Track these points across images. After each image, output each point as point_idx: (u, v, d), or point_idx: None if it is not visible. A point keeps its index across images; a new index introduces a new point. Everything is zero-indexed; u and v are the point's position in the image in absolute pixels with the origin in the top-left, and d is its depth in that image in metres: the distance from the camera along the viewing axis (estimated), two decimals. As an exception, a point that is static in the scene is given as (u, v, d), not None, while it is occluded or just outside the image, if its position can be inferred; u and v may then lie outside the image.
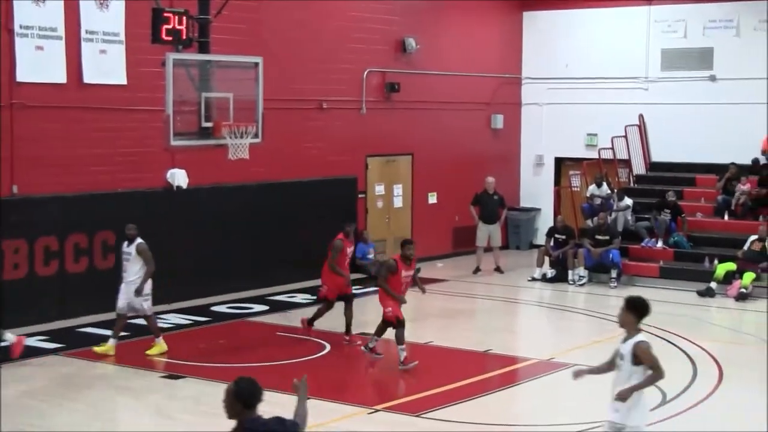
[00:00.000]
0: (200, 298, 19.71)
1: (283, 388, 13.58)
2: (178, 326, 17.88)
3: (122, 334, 16.97)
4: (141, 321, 17.87)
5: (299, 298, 20.43)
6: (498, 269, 23.66)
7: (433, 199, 25.69)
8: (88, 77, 18.46)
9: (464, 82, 26.11)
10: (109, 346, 15.53)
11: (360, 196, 23.74)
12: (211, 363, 15.22)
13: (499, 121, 27.29)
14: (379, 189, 24.40)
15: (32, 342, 16.11)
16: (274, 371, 14.96)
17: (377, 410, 12.97)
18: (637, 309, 9.05)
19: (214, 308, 19.26)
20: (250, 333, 17.68)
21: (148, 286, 15.62)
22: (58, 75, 18.06)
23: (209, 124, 17.43)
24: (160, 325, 17.76)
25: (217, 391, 13.44)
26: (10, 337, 14.84)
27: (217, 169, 19.79)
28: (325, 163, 22.77)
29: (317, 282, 21.66)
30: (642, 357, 8.94)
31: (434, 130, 25.36)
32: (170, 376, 14.43)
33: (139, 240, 15.60)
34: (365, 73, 23.56)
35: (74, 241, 18.14)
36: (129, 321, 17.87)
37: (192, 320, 18.29)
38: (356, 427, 12.35)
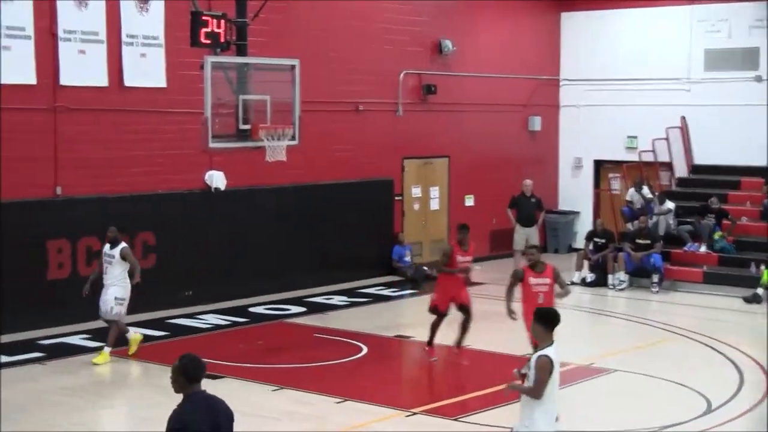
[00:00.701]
0: (238, 299, 19.83)
1: (319, 390, 13.78)
2: (217, 327, 18.00)
3: (160, 333, 17.18)
4: (182, 320, 18.13)
5: (336, 300, 20.50)
6: (535, 272, 23.58)
7: (470, 201, 25.69)
8: (129, 80, 18.64)
9: (501, 83, 26.10)
10: (105, 354, 15.30)
11: (396, 198, 23.79)
12: (249, 364, 15.31)
13: (536, 123, 27.26)
14: (416, 191, 24.43)
15: (75, 340, 16.33)
16: (311, 373, 15.05)
17: (415, 413, 13.00)
18: (544, 319, 9.12)
19: (252, 309, 19.37)
20: (287, 334, 17.76)
21: (127, 292, 15.42)
22: (100, 78, 18.26)
23: (247, 127, 17.52)
24: (199, 325, 17.96)
25: (256, 390, 13.70)
26: None
27: (255, 171, 19.92)
28: (362, 165, 22.84)
29: (354, 284, 21.87)
30: (535, 369, 8.88)
31: (471, 132, 25.37)
32: (209, 376, 14.42)
33: (123, 244, 15.43)
34: (401, 75, 23.61)
35: (116, 242, 18.32)
36: (169, 320, 18.12)
37: (230, 321, 18.41)
38: (395, 429, 12.40)
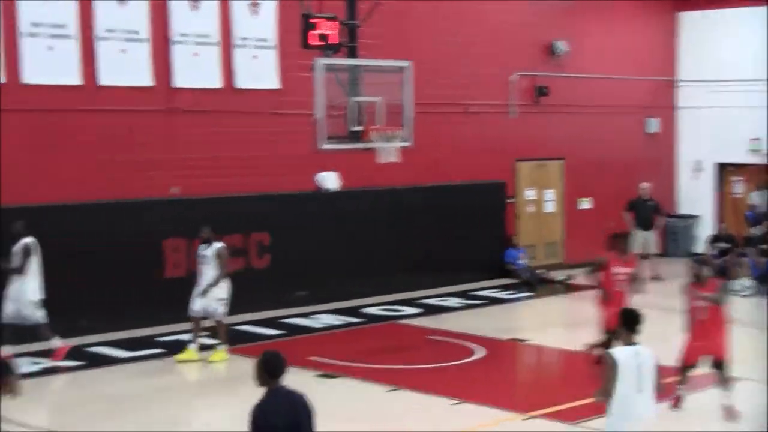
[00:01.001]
0: (352, 300, 19.78)
1: (435, 391, 13.59)
2: (331, 327, 17.98)
3: (275, 332, 17.21)
4: (296, 320, 18.15)
5: (450, 301, 20.31)
6: (655, 277, 23.05)
7: (585, 204, 25.26)
8: (241, 82, 18.74)
9: (616, 85, 25.59)
10: (190, 352, 15.35)
11: (509, 200, 23.50)
12: (363, 363, 15.19)
13: (653, 125, 26.68)
14: (530, 194, 24.11)
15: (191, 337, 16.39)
16: (427, 374, 14.88)
17: (532, 416, 12.71)
18: (624, 320, 9.10)
19: (366, 310, 19.30)
20: (401, 335, 17.63)
21: (225, 291, 15.42)
22: (213, 80, 18.38)
23: (359, 128, 17.49)
24: (314, 325, 17.93)
25: (371, 391, 13.57)
26: (56, 342, 14.99)
27: (367, 172, 19.83)
28: (474, 167, 22.59)
29: (468, 286, 21.65)
30: None
31: (586, 134, 24.93)
32: (324, 375, 14.47)
33: (218, 243, 15.43)
34: (513, 76, 23.32)
35: (230, 242, 18.39)
36: (283, 320, 18.15)
37: (345, 321, 18.36)
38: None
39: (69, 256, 16.40)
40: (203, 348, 15.54)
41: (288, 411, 7.36)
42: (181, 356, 15.33)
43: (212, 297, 15.31)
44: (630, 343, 8.92)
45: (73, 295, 16.39)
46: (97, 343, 16.21)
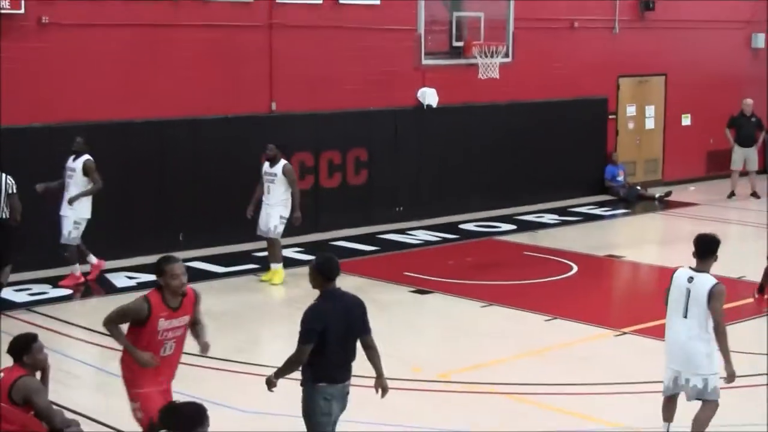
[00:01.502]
0: (448, 216, 19.90)
1: (528, 307, 13.75)
2: (427, 243, 18.13)
3: (372, 248, 17.43)
4: (393, 236, 18.33)
5: (546, 218, 20.33)
6: (754, 194, 22.76)
7: (686, 121, 24.90)
8: (343, -3, 18.77)
9: (722, -1, 25.03)
10: (273, 271, 15.11)
11: (610, 117, 23.30)
12: (458, 280, 15.39)
13: (760, 40, 26.03)
14: (631, 110, 23.84)
15: (288, 253, 16.66)
16: (520, 290, 15.03)
17: (624, 333, 12.82)
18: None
19: (462, 226, 19.41)
20: (497, 251, 17.76)
21: (287, 211, 14.93)
22: (315, -5, 18.45)
23: (460, 44, 17.48)
24: (410, 241, 18.14)
25: (464, 307, 13.77)
26: (92, 259, 15.12)
27: (467, 88, 19.84)
28: (576, 83, 22.40)
29: (566, 202, 21.64)
30: None
31: (689, 49, 24.48)
32: (419, 291, 14.70)
33: (283, 161, 14.92)
34: (619, -10, 22.98)
35: (328, 158, 18.66)
36: (380, 236, 18.33)
37: (440, 237, 18.50)
38: (603, 349, 12.26)
39: (164, 173, 16.81)
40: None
41: (341, 313, 7.66)
42: (264, 276, 15.25)
43: (274, 215, 14.90)
44: (700, 269, 8.98)
45: (170, 211, 16.85)
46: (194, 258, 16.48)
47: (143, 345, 7.81)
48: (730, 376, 8.76)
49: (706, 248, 9.03)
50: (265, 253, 15.48)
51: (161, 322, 7.83)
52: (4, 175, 13.10)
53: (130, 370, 7.94)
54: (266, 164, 15.01)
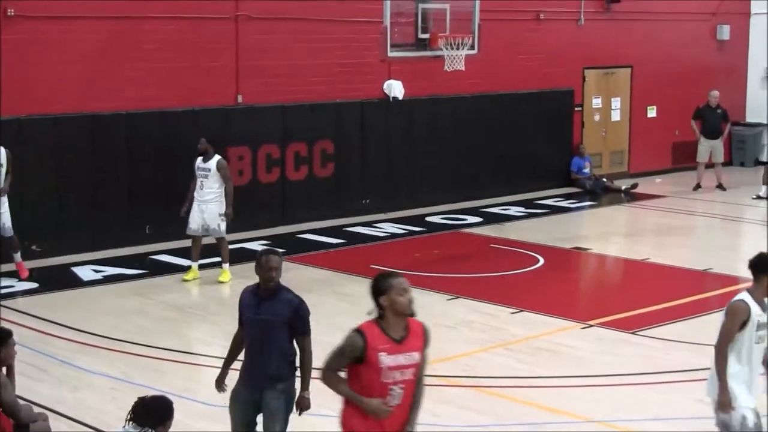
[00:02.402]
0: (415, 209, 19.92)
1: (495, 300, 13.79)
2: (394, 235, 18.13)
3: (338, 241, 17.42)
4: (359, 229, 18.32)
5: (513, 210, 20.37)
6: (720, 186, 22.91)
7: (652, 112, 25.01)
8: (309, -11, 18.71)
9: (688, -10, 25.15)
10: (194, 271, 14.81)
11: (576, 109, 23.38)
12: (425, 272, 15.39)
13: (725, 32, 26.18)
14: (596, 102, 23.93)
15: (255, 246, 16.63)
16: (487, 282, 15.06)
17: (591, 325, 12.87)
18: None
19: (429, 219, 19.42)
20: (464, 244, 17.78)
21: (223, 207, 14.59)
22: (281, -14, 18.38)
23: (426, 36, 17.44)
24: (376, 234, 18.15)
25: (430, 299, 13.80)
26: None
27: (433, 80, 19.85)
28: (541, 75, 22.45)
29: (532, 195, 21.70)
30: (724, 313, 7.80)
31: (655, 41, 24.58)
32: (384, 284, 14.66)
33: (217, 156, 14.59)
34: (584, -18, 23.04)
35: (294, 150, 18.61)
36: (347, 228, 18.31)
37: (407, 230, 18.50)
38: (569, 341, 12.30)
39: (131, 165, 16.74)
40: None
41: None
42: (186, 276, 14.85)
43: (212, 213, 14.58)
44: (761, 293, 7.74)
45: (137, 204, 16.80)
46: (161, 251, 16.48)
47: (364, 389, 6.57)
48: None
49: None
50: (232, 246, 15.30)
51: (382, 357, 6.57)
52: None
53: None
54: (199, 159, 14.62)
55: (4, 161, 14.22)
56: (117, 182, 16.58)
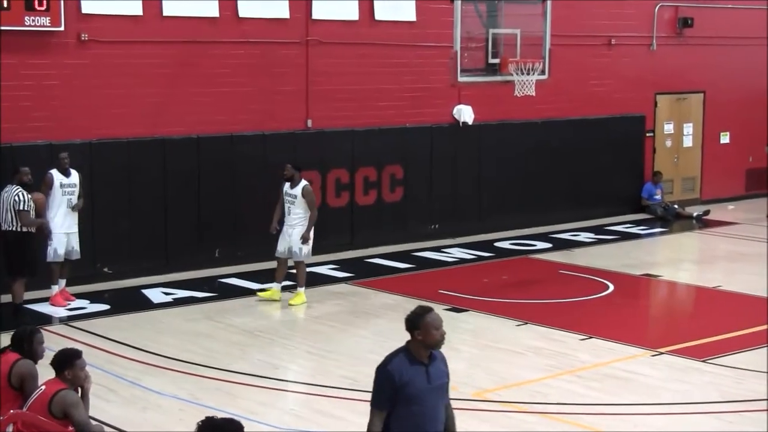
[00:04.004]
0: (484, 234, 19.85)
1: (564, 326, 13.67)
2: (462, 260, 18.08)
3: (407, 266, 17.39)
4: (428, 254, 18.30)
5: (582, 236, 20.22)
6: (792, 213, 22.56)
7: (725, 138, 24.74)
8: (379, 14, 18.78)
9: (762, 15, 24.81)
10: (273, 291, 14.99)
11: (648, 134, 23.17)
12: (493, 298, 15.33)
13: (800, 56, 25.83)
14: (668, 127, 23.71)
15: (324, 270, 16.73)
16: (556, 309, 14.95)
17: (661, 353, 12.70)
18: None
19: (498, 244, 19.35)
20: (532, 269, 17.67)
21: (311, 233, 14.83)
22: (351, 12, 18.47)
23: (496, 61, 17.44)
24: (445, 258, 18.10)
25: (498, 325, 13.71)
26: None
27: (503, 105, 19.81)
28: (613, 100, 22.32)
29: (601, 221, 21.52)
30: None
31: (728, 66, 24.32)
32: (454, 309, 14.64)
33: (304, 182, 14.90)
34: (657, 7, 22.85)
35: (364, 174, 18.66)
36: (415, 253, 18.27)
37: (476, 255, 18.45)
38: (639, 368, 12.15)
39: (201, 189, 16.86)
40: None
41: None
42: (264, 293, 15.10)
43: (296, 237, 14.75)
44: None
45: (207, 227, 16.93)
46: (230, 274, 16.61)
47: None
48: None
49: None
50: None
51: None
52: (13, 187, 13.64)
53: None
54: (286, 185, 14.93)
55: (77, 181, 14.48)
56: (187, 205, 16.73)
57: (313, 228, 14.82)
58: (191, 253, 16.71)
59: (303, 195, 14.75)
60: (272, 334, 13.51)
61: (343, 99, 18.42)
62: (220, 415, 6.99)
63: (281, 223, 15.03)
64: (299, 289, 14.94)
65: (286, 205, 14.90)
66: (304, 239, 14.74)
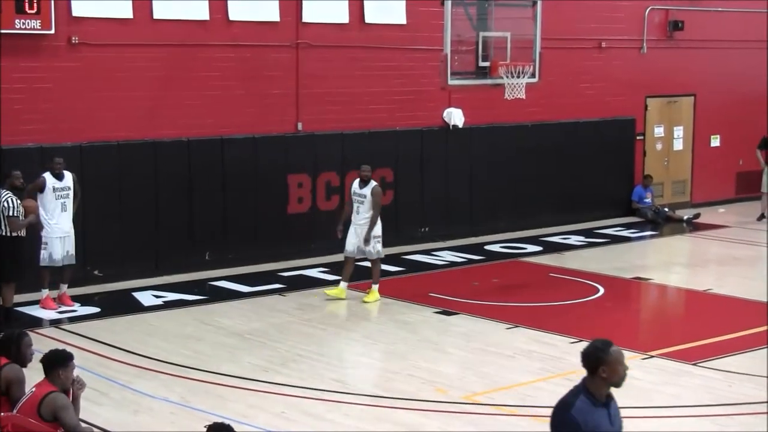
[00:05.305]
0: (474, 237, 19.87)
1: (555, 329, 13.67)
2: (453, 263, 18.09)
3: (397, 269, 17.39)
4: (418, 257, 18.30)
5: (573, 239, 20.23)
6: (783, 216, 22.60)
7: (715, 141, 24.78)
8: (370, 17, 18.78)
9: (752, 18, 24.88)
10: (340, 289, 15.27)
11: (638, 137, 23.21)
12: (483, 301, 15.33)
13: (790, 60, 25.88)
14: (659, 131, 23.74)
15: (314, 273, 16.72)
16: (547, 312, 14.94)
17: (651, 356, 12.71)
18: None
19: (488, 247, 19.35)
20: (523, 273, 17.67)
21: (379, 229, 15.21)
22: (341, 15, 18.47)
23: (486, 64, 17.43)
24: (435, 262, 18.11)
25: (489, 328, 13.71)
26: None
27: (493, 108, 19.82)
28: (603, 103, 22.35)
29: (592, 224, 21.54)
30: None
31: (719, 69, 24.36)
32: (444, 312, 14.64)
33: (373, 182, 15.29)
34: (647, 10, 22.89)
35: (354, 177, 18.58)
36: (405, 257, 18.30)
37: (466, 258, 18.45)
38: (630, 372, 12.05)
39: (191, 192, 16.86)
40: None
41: None
42: (331, 291, 15.39)
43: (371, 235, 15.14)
44: None
45: (197, 230, 16.91)
46: (221, 277, 16.61)
47: None
48: None
49: None
50: (292, 273, 15.50)
51: None
52: (3, 192, 13.60)
53: None
54: (356, 184, 15.29)
55: (71, 184, 14.46)
56: (178, 208, 16.71)
57: (380, 225, 15.13)
58: (182, 256, 16.70)
59: (372, 195, 15.06)
60: (262, 337, 13.48)
61: (333, 102, 18.42)
62: (210, 418, 6.99)
63: (346, 223, 15.32)
64: (374, 286, 15.22)
65: (355, 205, 15.22)
66: (366, 240, 15.03)
